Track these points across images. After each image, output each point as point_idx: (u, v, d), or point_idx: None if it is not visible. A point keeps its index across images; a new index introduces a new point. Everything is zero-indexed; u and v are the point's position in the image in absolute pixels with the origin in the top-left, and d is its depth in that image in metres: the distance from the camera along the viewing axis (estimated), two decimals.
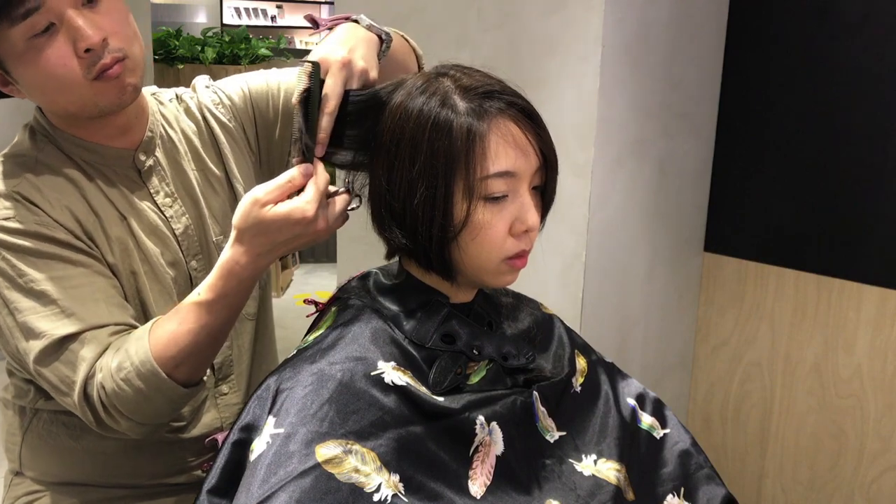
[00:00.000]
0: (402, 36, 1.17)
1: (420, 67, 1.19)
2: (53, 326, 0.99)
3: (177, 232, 1.14)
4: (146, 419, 1.01)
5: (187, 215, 1.16)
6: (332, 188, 0.93)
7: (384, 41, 1.04)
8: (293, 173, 0.90)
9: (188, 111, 1.21)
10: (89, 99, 1.01)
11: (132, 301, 1.10)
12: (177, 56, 4.49)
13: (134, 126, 1.12)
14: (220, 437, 1.03)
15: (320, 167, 0.91)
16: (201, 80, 1.26)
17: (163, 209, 1.14)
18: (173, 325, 0.97)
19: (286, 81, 1.25)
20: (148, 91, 1.19)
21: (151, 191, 1.13)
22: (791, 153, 1.87)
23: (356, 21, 1.02)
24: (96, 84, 1.00)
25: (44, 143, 1.09)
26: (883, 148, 1.74)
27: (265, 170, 1.26)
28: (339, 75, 0.91)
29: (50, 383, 1.01)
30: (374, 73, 0.97)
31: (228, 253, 0.93)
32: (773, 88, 1.88)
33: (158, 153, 1.15)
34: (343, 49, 0.94)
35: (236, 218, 0.91)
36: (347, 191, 0.94)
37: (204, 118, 1.22)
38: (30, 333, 1.00)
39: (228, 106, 1.23)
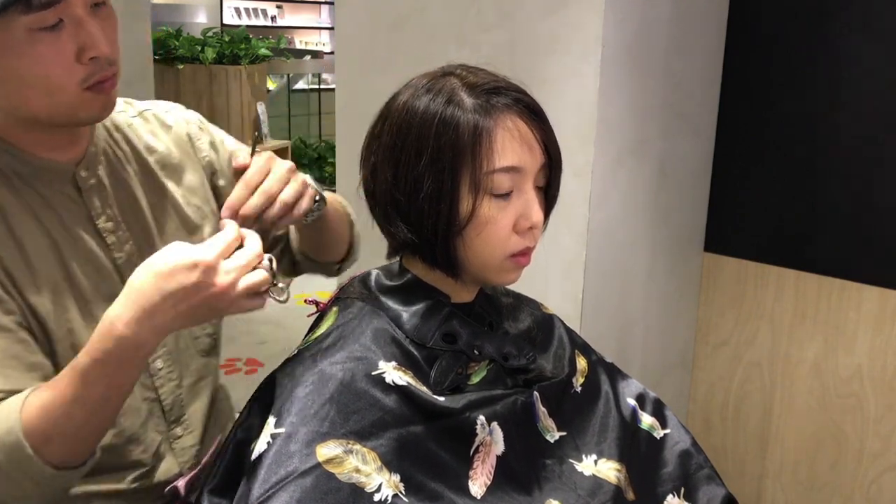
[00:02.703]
0: (342, 203, 1.19)
1: (352, 235, 1.24)
2: None
3: (118, 261, 1.01)
4: (10, 499, 0.86)
5: (131, 242, 1.03)
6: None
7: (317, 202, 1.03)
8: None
9: (152, 131, 1.11)
10: (71, 107, 0.93)
11: (62, 346, 0.95)
12: (177, 56, 4.49)
13: (80, 138, 1.01)
14: (180, 483, 0.96)
15: (252, 234, 0.86)
16: (177, 107, 1.18)
17: (104, 235, 1.01)
18: (48, 394, 0.84)
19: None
20: None
21: (92, 213, 1.00)
22: (791, 153, 1.87)
23: None
24: (86, 94, 0.92)
25: None
26: (883, 148, 1.74)
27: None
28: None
29: None
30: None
31: (112, 308, 0.82)
32: (773, 88, 1.88)
33: (101, 171, 1.03)
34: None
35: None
36: (271, 269, 0.85)
37: (177, 140, 1.13)
38: None
39: (207, 142, 1.16)
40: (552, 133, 0.88)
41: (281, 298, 0.86)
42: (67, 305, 0.96)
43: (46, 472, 0.84)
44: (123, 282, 0.90)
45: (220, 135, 1.20)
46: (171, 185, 1.10)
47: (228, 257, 0.82)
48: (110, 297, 0.91)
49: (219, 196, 1.16)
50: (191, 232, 1.10)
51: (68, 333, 0.96)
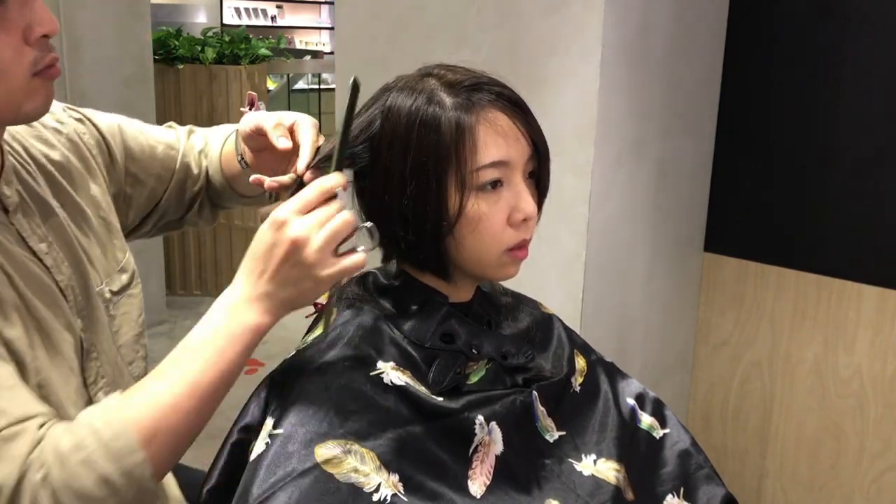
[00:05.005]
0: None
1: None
2: None
3: (61, 284, 0.89)
4: None
5: (66, 263, 0.92)
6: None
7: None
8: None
9: (40, 136, 0.98)
10: (17, 98, 0.80)
11: (31, 384, 0.83)
12: (177, 56, 4.48)
13: None
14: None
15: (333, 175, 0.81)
16: (58, 105, 1.02)
17: (41, 257, 0.88)
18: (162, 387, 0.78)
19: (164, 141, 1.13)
20: None
21: (23, 234, 0.88)
22: (791, 153, 1.87)
23: None
24: (34, 81, 0.80)
25: None
26: (883, 147, 1.74)
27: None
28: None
29: None
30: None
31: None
32: (773, 88, 1.88)
33: (17, 186, 0.90)
34: None
35: None
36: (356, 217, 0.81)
37: (71, 144, 1.01)
38: None
39: (97, 138, 1.05)
40: (536, 123, 0.88)
41: (371, 244, 0.82)
42: (34, 340, 0.84)
43: (147, 482, 0.77)
44: (69, 307, 0.85)
45: (103, 121, 1.08)
46: (79, 198, 0.99)
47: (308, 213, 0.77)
48: (68, 327, 0.86)
49: (122, 207, 1.09)
50: (104, 250, 1.01)
51: (36, 371, 0.84)
